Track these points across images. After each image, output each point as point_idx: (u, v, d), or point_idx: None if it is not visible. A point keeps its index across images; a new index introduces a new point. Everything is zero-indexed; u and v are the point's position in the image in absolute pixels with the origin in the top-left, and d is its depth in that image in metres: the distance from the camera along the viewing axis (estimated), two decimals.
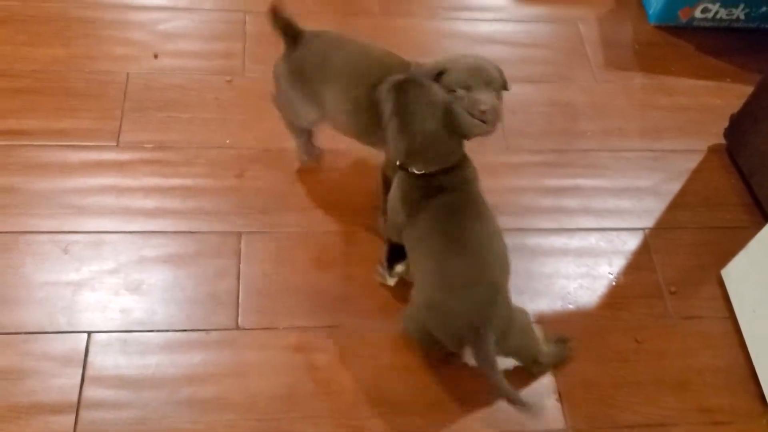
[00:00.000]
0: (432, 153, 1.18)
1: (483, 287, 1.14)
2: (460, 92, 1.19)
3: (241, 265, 1.38)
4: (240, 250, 1.40)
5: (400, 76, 1.17)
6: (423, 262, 1.20)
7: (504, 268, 1.19)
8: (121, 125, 1.54)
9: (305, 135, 1.48)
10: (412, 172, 1.20)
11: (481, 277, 1.14)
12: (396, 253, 1.34)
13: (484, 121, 1.18)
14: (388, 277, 1.38)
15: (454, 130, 1.18)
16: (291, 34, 1.30)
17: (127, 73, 1.62)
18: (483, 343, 1.12)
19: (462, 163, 1.21)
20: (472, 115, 1.18)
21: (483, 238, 1.17)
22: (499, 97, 1.23)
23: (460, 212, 1.18)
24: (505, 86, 1.25)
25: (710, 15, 1.86)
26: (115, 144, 1.52)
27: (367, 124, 1.28)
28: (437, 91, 1.17)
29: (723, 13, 1.85)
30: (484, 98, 1.18)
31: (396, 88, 1.16)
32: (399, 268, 1.37)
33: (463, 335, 1.14)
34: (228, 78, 1.65)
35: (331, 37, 1.33)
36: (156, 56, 1.64)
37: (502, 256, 1.19)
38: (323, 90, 1.31)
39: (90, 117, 1.55)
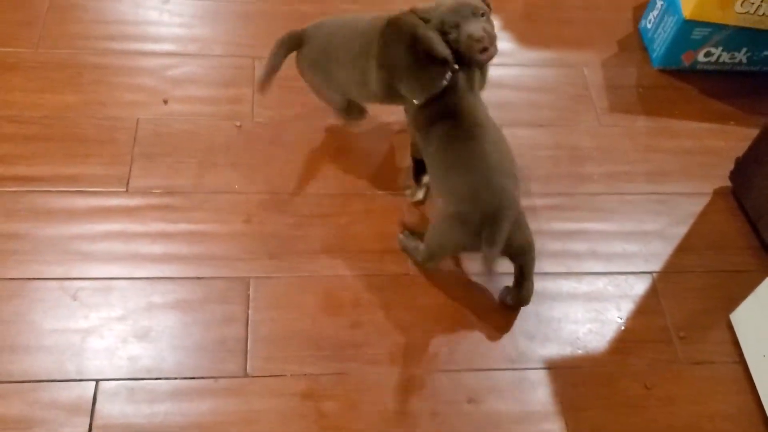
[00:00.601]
0: (412, 84, 1.30)
1: (496, 183, 1.27)
2: (453, 33, 1.27)
3: (249, 311, 1.38)
4: (248, 295, 1.40)
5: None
6: (439, 182, 1.36)
7: (511, 172, 1.32)
8: (130, 171, 1.56)
9: (345, 106, 1.56)
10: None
11: (491, 182, 1.27)
12: (421, 169, 1.50)
13: (485, 49, 1.27)
14: (417, 191, 1.54)
15: (429, 59, 1.26)
16: (293, 46, 1.46)
17: (137, 119, 1.64)
18: (499, 228, 1.24)
19: (453, 89, 1.32)
20: (472, 48, 1.27)
21: (486, 152, 1.29)
22: (489, 21, 1.32)
23: (459, 137, 1.31)
24: (489, 6, 1.35)
25: (713, 59, 1.88)
26: (124, 189, 1.53)
27: (379, 86, 1.36)
28: (409, 25, 1.27)
29: (726, 57, 1.88)
30: (474, 28, 1.26)
31: (379, 34, 1.30)
32: (426, 179, 1.51)
33: (483, 225, 1.24)
34: (237, 123, 1.66)
35: (327, 23, 1.46)
36: (166, 102, 1.66)
37: (509, 160, 1.33)
38: (335, 73, 1.44)
39: (99, 163, 1.56)
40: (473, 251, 1.31)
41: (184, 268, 1.43)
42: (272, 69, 1.47)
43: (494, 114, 1.57)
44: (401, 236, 1.50)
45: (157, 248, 1.45)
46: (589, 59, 1.92)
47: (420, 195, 1.55)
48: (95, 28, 1.80)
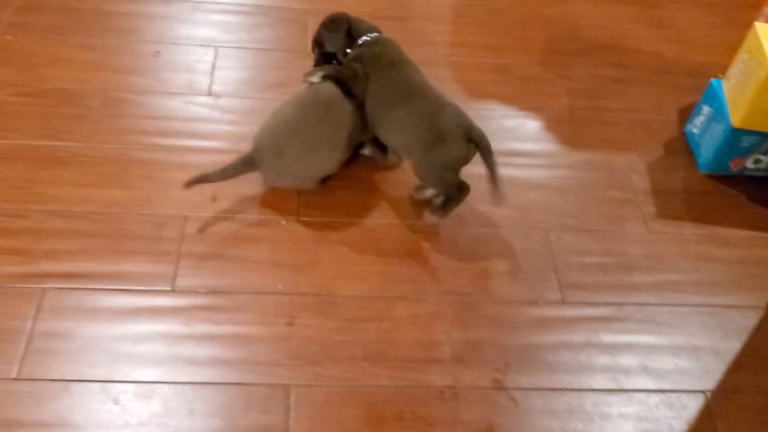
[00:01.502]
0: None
1: (443, 110, 1.61)
2: None
3: (289, 422, 1.35)
4: (289, 405, 1.38)
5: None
6: (396, 126, 1.65)
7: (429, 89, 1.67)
8: (176, 269, 1.56)
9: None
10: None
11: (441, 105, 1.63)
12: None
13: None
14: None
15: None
16: (248, 168, 1.68)
17: (185, 216, 1.65)
18: (479, 130, 1.61)
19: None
20: None
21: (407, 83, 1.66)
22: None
23: (391, 78, 1.67)
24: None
25: (762, 165, 1.86)
26: (170, 289, 1.53)
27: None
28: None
29: None
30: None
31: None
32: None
33: (466, 135, 1.59)
34: (283, 221, 1.67)
35: (265, 127, 1.70)
36: (214, 199, 1.68)
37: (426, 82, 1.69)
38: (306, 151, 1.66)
39: (146, 260, 1.57)
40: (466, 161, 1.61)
41: (226, 373, 1.41)
42: (205, 179, 1.63)
43: (539, 217, 1.58)
44: (413, 191, 1.71)
45: (202, 351, 1.44)
46: (635, 162, 1.91)
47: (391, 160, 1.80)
48: (145, 123, 1.84)
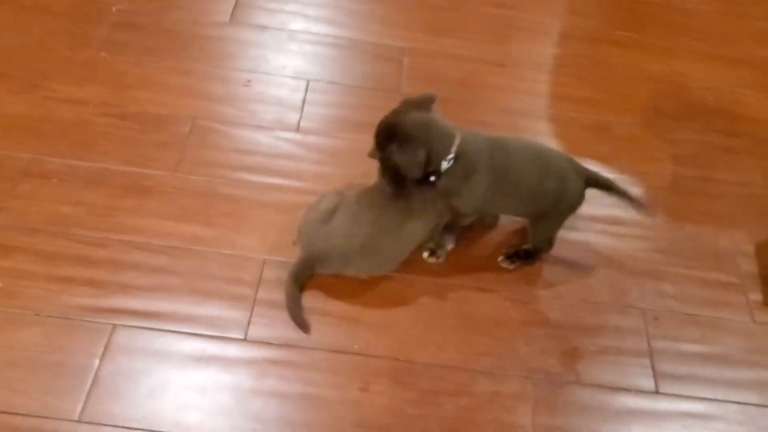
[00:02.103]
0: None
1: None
2: None
3: None
4: None
5: None
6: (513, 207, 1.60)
7: None
8: (251, 317, 1.50)
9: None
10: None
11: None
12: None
13: None
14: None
15: None
16: (308, 273, 1.57)
17: (264, 260, 1.59)
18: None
19: None
20: None
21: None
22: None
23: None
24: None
25: None
26: (242, 337, 1.47)
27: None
28: None
29: None
30: None
31: None
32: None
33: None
34: (364, 276, 1.59)
35: (308, 225, 1.59)
36: (295, 243, 1.61)
37: None
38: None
39: (221, 304, 1.51)
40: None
41: None
42: (297, 306, 1.51)
43: (637, 295, 1.50)
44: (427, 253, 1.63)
45: (270, 410, 1.37)
46: (742, 242, 1.78)
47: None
48: (232, 156, 1.79)
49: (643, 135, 2.00)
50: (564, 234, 1.71)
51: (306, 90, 1.99)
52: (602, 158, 1.91)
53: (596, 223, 1.75)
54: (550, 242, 1.63)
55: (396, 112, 1.49)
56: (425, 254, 1.62)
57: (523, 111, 2.00)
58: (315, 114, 1.93)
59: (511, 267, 1.63)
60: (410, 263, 1.62)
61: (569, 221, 1.70)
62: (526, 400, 1.43)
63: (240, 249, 1.61)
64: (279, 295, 1.53)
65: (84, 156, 1.75)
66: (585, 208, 1.75)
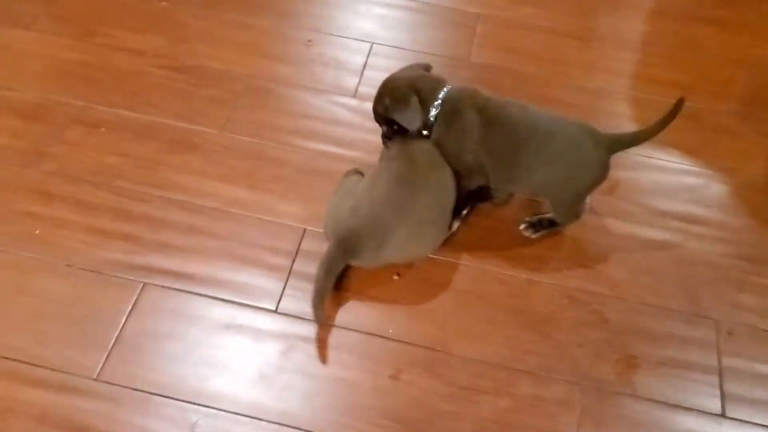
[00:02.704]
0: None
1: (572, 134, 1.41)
2: None
3: None
4: None
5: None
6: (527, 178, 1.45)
7: None
8: (284, 287, 1.42)
9: None
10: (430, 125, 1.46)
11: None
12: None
13: None
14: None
15: None
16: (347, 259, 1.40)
17: (305, 230, 1.50)
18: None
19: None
20: None
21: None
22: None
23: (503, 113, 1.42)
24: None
25: None
26: (273, 309, 1.39)
27: None
28: None
29: None
30: None
31: None
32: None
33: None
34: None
35: (342, 206, 1.45)
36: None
37: None
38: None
39: (256, 272, 1.44)
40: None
41: (316, 421, 1.25)
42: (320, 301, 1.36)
43: (710, 305, 1.33)
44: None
45: (293, 390, 1.29)
46: None
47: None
48: (284, 119, 1.70)
49: (736, 126, 1.80)
50: (634, 229, 1.56)
51: (368, 54, 1.88)
52: (687, 149, 1.73)
53: (672, 219, 1.58)
54: (576, 215, 1.51)
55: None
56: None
57: (601, 90, 1.83)
58: (375, 79, 1.79)
59: (534, 236, 1.52)
60: (458, 246, 1.50)
61: (644, 216, 1.55)
62: (571, 408, 1.30)
63: (281, 216, 1.52)
64: (315, 269, 1.44)
65: (135, 107, 1.70)
66: (661, 203, 1.59)
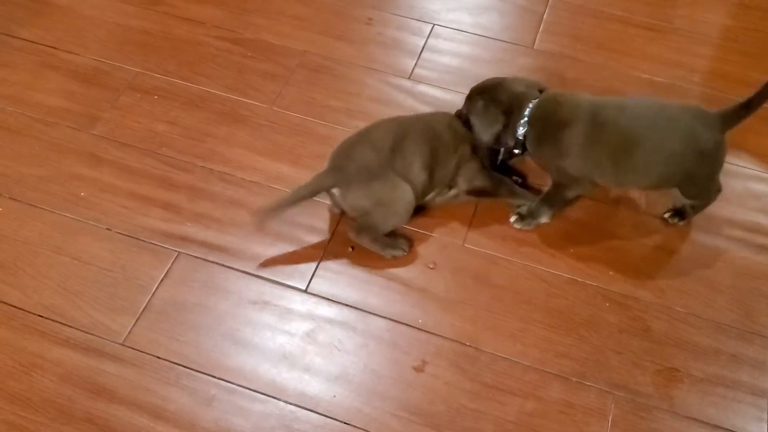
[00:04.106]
0: None
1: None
2: None
3: None
4: None
5: None
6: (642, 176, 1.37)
7: None
8: (316, 269, 1.40)
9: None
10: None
11: None
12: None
13: None
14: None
15: None
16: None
17: (343, 210, 1.47)
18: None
19: None
20: None
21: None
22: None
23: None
24: None
25: None
26: (303, 288, 1.37)
27: None
28: None
29: None
30: None
31: None
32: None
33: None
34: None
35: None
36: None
37: None
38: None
39: (290, 250, 1.42)
40: None
41: (334, 408, 1.23)
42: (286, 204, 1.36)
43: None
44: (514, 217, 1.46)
45: (315, 373, 1.27)
46: None
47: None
48: (335, 97, 1.68)
49: None
50: (690, 235, 1.46)
51: (428, 35, 1.82)
52: (761, 154, 1.61)
53: (734, 228, 1.48)
54: (715, 191, 1.43)
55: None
56: (512, 217, 1.45)
57: (670, 86, 1.72)
58: (432, 62, 1.76)
59: (680, 223, 1.46)
60: (499, 239, 1.44)
61: (702, 222, 1.46)
62: (602, 419, 1.23)
63: (322, 195, 1.49)
64: (349, 255, 1.42)
65: (189, 76, 1.70)
66: (724, 210, 1.49)
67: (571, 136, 1.32)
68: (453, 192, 1.46)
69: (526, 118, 1.36)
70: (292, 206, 1.36)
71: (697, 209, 1.45)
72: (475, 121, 1.41)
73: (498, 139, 1.40)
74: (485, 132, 1.40)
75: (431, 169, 1.38)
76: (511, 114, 1.37)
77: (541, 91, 1.40)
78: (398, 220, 1.39)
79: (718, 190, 1.43)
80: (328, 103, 1.66)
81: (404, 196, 1.36)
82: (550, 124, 1.34)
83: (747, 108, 1.30)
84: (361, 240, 1.39)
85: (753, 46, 1.83)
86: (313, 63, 1.74)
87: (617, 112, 1.33)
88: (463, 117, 1.45)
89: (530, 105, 1.36)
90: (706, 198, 1.44)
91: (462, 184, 1.45)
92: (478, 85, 1.44)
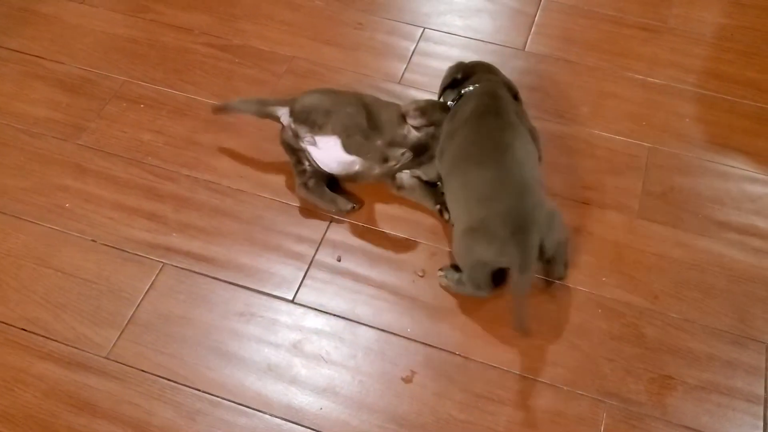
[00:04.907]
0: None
1: (516, 186, 1.23)
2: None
3: None
4: None
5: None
6: (454, 190, 1.31)
7: (533, 168, 1.29)
8: (304, 277, 1.38)
9: None
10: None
11: (510, 180, 1.24)
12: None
13: None
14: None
15: None
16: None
17: (331, 218, 1.45)
18: (528, 241, 1.18)
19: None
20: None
21: (503, 144, 1.28)
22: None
23: (485, 121, 1.34)
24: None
25: None
26: (290, 299, 1.35)
27: None
28: None
29: None
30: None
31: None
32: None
33: (509, 240, 1.19)
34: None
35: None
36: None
37: (530, 157, 1.30)
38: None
39: (277, 259, 1.40)
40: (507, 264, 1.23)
41: (319, 419, 1.21)
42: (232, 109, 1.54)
43: (762, 326, 1.25)
44: (440, 273, 1.35)
45: (300, 386, 1.25)
46: None
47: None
48: None
49: None
50: (684, 238, 1.43)
51: (419, 39, 1.80)
52: (755, 155, 1.58)
53: (729, 231, 1.45)
54: (477, 286, 1.32)
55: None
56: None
57: (664, 87, 1.70)
58: (423, 66, 1.74)
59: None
60: None
61: (697, 224, 1.44)
62: (594, 428, 1.21)
63: (309, 202, 1.48)
64: (339, 268, 1.40)
65: (176, 84, 1.68)
66: (718, 211, 1.47)
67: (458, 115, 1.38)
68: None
69: (462, 93, 1.42)
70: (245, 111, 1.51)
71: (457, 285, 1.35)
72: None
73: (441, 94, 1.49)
74: (440, 85, 1.48)
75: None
76: (462, 81, 1.45)
77: (515, 96, 1.44)
78: (350, 113, 1.40)
79: (476, 286, 1.31)
80: None
81: (349, 104, 1.42)
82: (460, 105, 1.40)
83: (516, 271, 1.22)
84: (352, 148, 1.38)
85: (749, 44, 1.80)
86: (301, 69, 1.72)
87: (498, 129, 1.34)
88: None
89: (475, 85, 1.42)
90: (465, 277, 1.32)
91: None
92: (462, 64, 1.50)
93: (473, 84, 1.42)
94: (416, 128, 1.43)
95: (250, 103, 1.51)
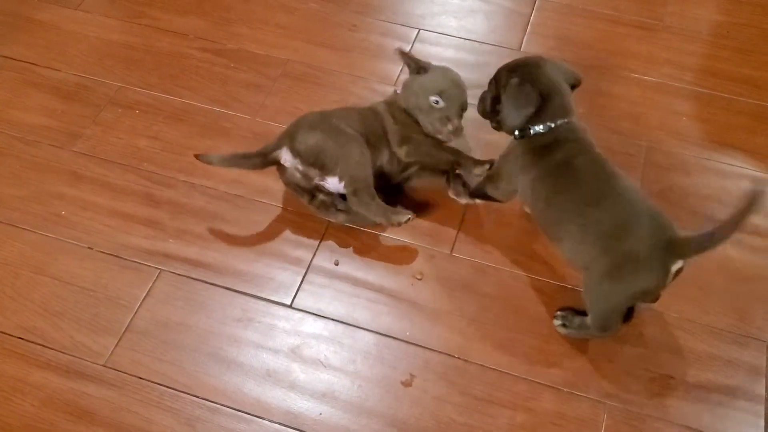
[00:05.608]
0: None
1: (646, 219, 1.14)
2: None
3: None
4: None
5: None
6: (576, 237, 1.20)
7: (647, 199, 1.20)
8: (302, 282, 1.38)
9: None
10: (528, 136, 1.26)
11: (636, 212, 1.15)
12: None
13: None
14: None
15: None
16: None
17: (327, 224, 1.45)
18: (666, 272, 1.13)
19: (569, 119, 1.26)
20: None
21: (611, 179, 1.20)
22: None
23: (579, 164, 1.22)
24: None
25: None
26: (288, 303, 1.35)
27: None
28: None
29: None
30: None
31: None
32: None
33: (651, 274, 1.14)
34: (433, 255, 1.41)
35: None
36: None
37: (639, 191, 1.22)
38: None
39: (274, 265, 1.40)
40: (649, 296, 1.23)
41: (318, 426, 1.21)
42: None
43: (763, 325, 1.25)
44: (558, 321, 1.29)
45: (300, 385, 1.24)
46: None
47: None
48: (318, 106, 1.63)
49: None
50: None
51: (414, 40, 1.80)
52: (754, 152, 1.58)
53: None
54: (604, 329, 1.25)
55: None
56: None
57: (661, 85, 1.70)
58: None
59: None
60: (487, 246, 1.41)
61: (696, 223, 1.41)
62: (594, 429, 1.20)
63: (306, 207, 1.47)
64: (338, 273, 1.39)
65: (171, 89, 1.68)
66: (717, 210, 1.47)
67: (544, 161, 1.24)
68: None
69: (552, 125, 1.24)
70: (235, 166, 1.44)
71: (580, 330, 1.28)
72: (506, 101, 1.26)
73: (526, 125, 1.25)
74: (517, 114, 1.24)
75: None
76: (548, 101, 1.24)
77: (573, 87, 1.30)
78: (358, 160, 1.35)
79: (605, 328, 1.24)
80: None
81: (352, 139, 1.37)
82: (552, 147, 1.24)
83: (710, 239, 1.12)
84: (360, 207, 1.35)
85: (745, 41, 1.80)
86: (296, 71, 1.72)
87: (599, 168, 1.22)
88: (487, 100, 1.34)
89: (566, 119, 1.25)
90: (595, 322, 1.24)
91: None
92: (508, 63, 1.31)
93: (546, 122, 1.25)
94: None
95: (246, 159, 1.42)
